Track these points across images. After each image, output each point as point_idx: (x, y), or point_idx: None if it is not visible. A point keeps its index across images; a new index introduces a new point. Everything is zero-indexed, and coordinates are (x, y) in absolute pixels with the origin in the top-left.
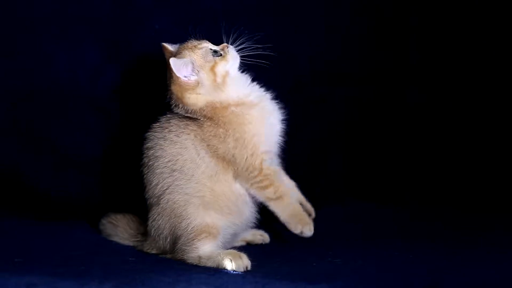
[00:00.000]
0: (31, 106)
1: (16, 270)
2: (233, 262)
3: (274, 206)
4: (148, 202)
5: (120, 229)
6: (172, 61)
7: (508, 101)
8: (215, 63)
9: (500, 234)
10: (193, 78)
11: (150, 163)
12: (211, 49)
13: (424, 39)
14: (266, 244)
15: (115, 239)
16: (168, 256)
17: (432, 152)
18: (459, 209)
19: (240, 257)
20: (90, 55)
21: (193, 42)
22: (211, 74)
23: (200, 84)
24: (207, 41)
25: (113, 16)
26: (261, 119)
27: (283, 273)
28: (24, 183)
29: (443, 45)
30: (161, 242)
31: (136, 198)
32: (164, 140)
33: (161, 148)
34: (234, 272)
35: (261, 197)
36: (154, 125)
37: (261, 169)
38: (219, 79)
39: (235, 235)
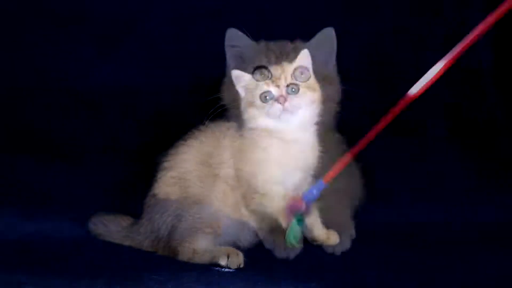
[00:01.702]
0: (27, 103)
1: (5, 269)
2: (228, 258)
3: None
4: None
5: (111, 230)
6: (234, 71)
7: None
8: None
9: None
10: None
11: (189, 141)
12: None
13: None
14: (257, 242)
15: (107, 239)
16: (160, 252)
17: None
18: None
19: (237, 254)
20: (84, 51)
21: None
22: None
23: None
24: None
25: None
26: (269, 156)
27: (274, 271)
28: (20, 179)
29: None
30: (160, 221)
31: (133, 196)
32: (220, 133)
33: (209, 137)
34: (226, 269)
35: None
36: (220, 119)
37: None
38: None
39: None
